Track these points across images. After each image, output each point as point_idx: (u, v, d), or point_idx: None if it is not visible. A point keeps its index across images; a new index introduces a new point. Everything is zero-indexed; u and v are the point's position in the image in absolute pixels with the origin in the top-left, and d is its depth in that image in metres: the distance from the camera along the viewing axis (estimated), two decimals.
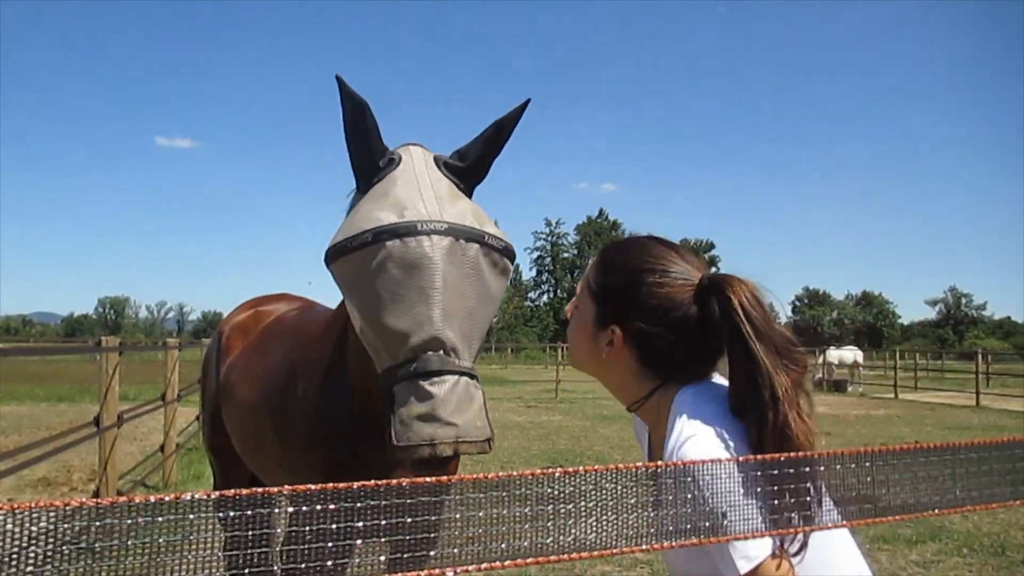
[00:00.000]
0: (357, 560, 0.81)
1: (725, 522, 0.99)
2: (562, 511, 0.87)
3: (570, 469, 0.82)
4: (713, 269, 1.48)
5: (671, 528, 0.91)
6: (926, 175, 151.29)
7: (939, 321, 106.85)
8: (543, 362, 44.23)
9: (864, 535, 6.19)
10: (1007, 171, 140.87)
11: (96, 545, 0.74)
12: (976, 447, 1.10)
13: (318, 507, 0.77)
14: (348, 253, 1.84)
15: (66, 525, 0.72)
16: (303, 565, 0.76)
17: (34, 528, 0.70)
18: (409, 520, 0.79)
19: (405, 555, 0.79)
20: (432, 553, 0.82)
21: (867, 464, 1.02)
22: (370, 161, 1.99)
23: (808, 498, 1.03)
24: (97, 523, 0.72)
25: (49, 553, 0.72)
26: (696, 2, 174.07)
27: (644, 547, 0.90)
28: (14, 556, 0.70)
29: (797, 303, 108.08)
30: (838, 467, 1.01)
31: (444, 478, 0.82)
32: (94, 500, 0.72)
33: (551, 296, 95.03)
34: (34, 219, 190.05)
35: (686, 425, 1.26)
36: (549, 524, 0.85)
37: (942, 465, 1.08)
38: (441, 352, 1.73)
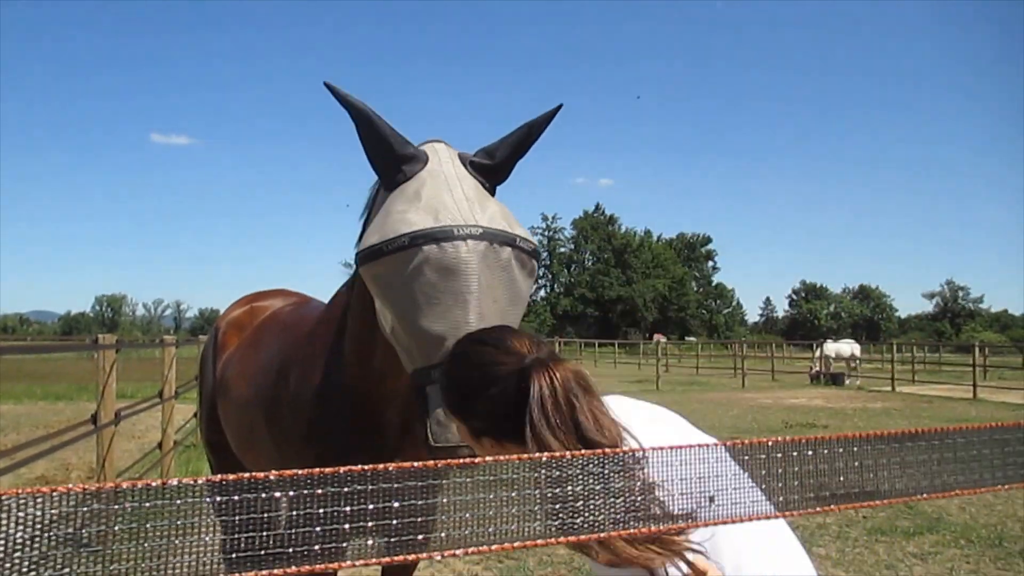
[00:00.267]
0: (345, 544, 0.81)
1: (713, 506, 1.00)
2: (549, 496, 0.88)
3: (556, 454, 0.82)
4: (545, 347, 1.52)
5: (659, 512, 0.91)
6: (923, 168, 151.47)
7: (936, 314, 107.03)
8: None
9: (861, 527, 6.21)
10: (1005, 165, 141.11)
11: (85, 532, 0.74)
12: (966, 432, 1.11)
13: (305, 492, 0.77)
14: (383, 256, 1.85)
15: (55, 511, 0.72)
16: (290, 550, 0.76)
17: (21, 514, 0.70)
18: (397, 505, 0.80)
19: (392, 539, 0.79)
20: (420, 538, 0.82)
21: (855, 448, 1.02)
22: (389, 158, 1.98)
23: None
24: (85, 508, 0.72)
25: (36, 537, 0.72)
26: None
27: (632, 531, 0.90)
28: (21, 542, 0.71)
29: (794, 297, 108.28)
30: (825, 451, 1.02)
31: (431, 463, 0.82)
32: (81, 486, 0.72)
33: (548, 291, 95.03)
34: (30, 217, 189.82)
35: None
36: (536, 508, 0.85)
37: (931, 450, 1.08)
38: None
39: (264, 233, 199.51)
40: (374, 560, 0.80)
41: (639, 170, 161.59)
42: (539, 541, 0.83)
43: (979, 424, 1.13)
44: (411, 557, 0.77)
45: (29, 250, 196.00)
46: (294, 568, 0.74)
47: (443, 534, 0.81)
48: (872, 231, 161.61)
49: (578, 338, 63.88)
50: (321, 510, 0.77)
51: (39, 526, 0.71)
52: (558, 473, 0.91)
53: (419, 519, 0.81)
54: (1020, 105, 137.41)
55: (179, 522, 0.74)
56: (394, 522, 0.79)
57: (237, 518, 0.76)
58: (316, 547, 0.77)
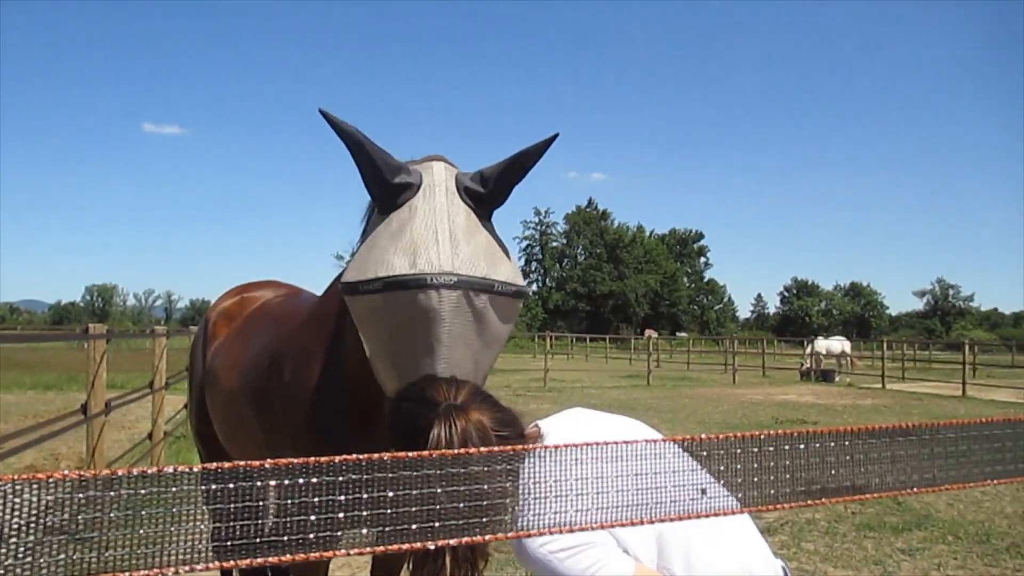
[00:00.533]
0: (339, 533, 0.81)
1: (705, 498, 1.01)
2: (545, 488, 0.88)
3: (550, 445, 0.83)
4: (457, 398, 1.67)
5: (651, 502, 0.92)
6: (915, 166, 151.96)
7: (927, 312, 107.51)
8: (531, 351, 44.29)
9: (850, 523, 6.25)
10: (996, 164, 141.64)
11: (80, 518, 0.74)
12: (955, 427, 1.11)
13: (300, 480, 0.77)
14: (358, 294, 1.88)
15: (49, 497, 0.72)
16: (285, 538, 0.76)
17: (16, 500, 0.70)
18: (391, 494, 0.80)
19: (387, 528, 0.79)
20: (415, 527, 0.82)
21: (846, 443, 1.03)
22: (381, 185, 1.98)
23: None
24: (80, 495, 0.73)
25: (31, 523, 0.72)
26: None
27: (625, 523, 0.91)
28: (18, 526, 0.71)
29: (786, 293, 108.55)
30: (817, 445, 1.02)
31: (426, 453, 0.83)
32: (77, 472, 0.72)
33: (540, 285, 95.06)
34: (21, 206, 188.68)
35: None
36: (532, 499, 0.86)
37: (921, 445, 1.09)
38: None
39: (256, 224, 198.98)
40: (367, 549, 0.81)
41: (632, 165, 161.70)
42: (533, 532, 0.83)
43: (969, 420, 1.14)
44: (406, 547, 0.77)
45: (19, 239, 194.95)
46: (288, 556, 0.75)
47: (436, 523, 0.81)
48: (864, 229, 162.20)
49: (569, 333, 63.98)
50: (316, 499, 0.77)
51: (34, 512, 0.72)
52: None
53: (413, 509, 0.81)
54: (1014, 105, 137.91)
55: (173, 510, 0.75)
56: (389, 511, 0.80)
57: (232, 506, 0.76)
58: (311, 535, 0.77)
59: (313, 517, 0.77)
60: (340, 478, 0.79)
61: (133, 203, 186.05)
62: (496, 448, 0.89)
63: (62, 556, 0.71)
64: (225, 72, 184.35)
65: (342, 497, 0.78)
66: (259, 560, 0.76)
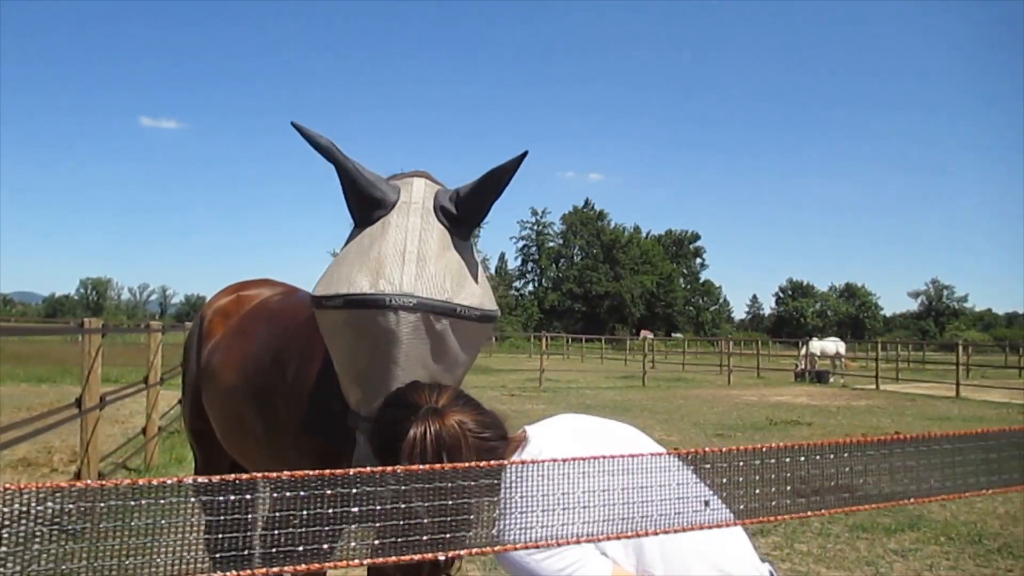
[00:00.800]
0: (341, 544, 0.81)
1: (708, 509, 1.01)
2: (552, 501, 0.88)
3: (547, 459, 0.83)
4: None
5: (647, 515, 0.92)
6: (910, 168, 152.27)
7: (921, 313, 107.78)
8: (527, 351, 44.32)
9: (843, 524, 6.26)
10: (990, 164, 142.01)
11: (73, 527, 0.74)
12: (952, 438, 1.12)
13: (306, 493, 0.77)
14: (321, 308, 1.90)
15: (42, 507, 0.72)
16: (301, 548, 0.76)
17: (7, 510, 0.69)
18: (403, 506, 0.80)
19: (399, 540, 0.79)
20: (425, 538, 0.82)
21: (845, 455, 1.03)
22: (355, 200, 1.97)
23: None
24: (74, 505, 0.72)
25: (26, 535, 0.72)
26: None
27: (629, 535, 0.91)
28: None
29: (781, 294, 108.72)
30: (817, 457, 1.02)
31: (438, 466, 0.82)
32: (70, 483, 0.71)
33: (536, 285, 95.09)
34: (16, 198, 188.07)
35: None
36: (539, 511, 0.85)
37: (919, 456, 1.09)
38: None
39: (252, 220, 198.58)
40: (356, 562, 0.80)
41: (629, 165, 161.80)
42: (542, 543, 0.83)
43: (964, 431, 1.14)
44: (416, 558, 0.77)
45: (14, 231, 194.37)
46: (304, 566, 0.75)
47: (447, 535, 0.81)
48: (858, 230, 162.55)
49: (565, 333, 63.99)
50: (331, 510, 0.78)
51: (24, 521, 0.71)
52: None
53: (424, 520, 0.81)
54: (1008, 107, 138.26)
55: (168, 520, 0.74)
56: (401, 523, 0.80)
57: (222, 518, 0.76)
58: (324, 546, 0.77)
59: (327, 528, 0.77)
60: (329, 491, 0.79)
61: (129, 197, 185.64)
62: (470, 464, 0.89)
63: (51, 567, 0.70)
64: (222, 66, 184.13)
65: (355, 509, 0.79)
66: (275, 569, 0.76)
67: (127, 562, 0.74)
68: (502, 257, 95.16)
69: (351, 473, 0.82)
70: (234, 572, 0.76)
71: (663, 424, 12.80)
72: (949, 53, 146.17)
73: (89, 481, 0.74)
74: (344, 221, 2.24)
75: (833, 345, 28.01)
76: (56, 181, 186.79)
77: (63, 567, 0.72)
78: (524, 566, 1.51)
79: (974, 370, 27.92)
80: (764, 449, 0.99)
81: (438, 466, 0.93)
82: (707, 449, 1.01)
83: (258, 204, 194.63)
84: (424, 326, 1.82)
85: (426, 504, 0.87)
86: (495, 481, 1.02)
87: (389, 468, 0.90)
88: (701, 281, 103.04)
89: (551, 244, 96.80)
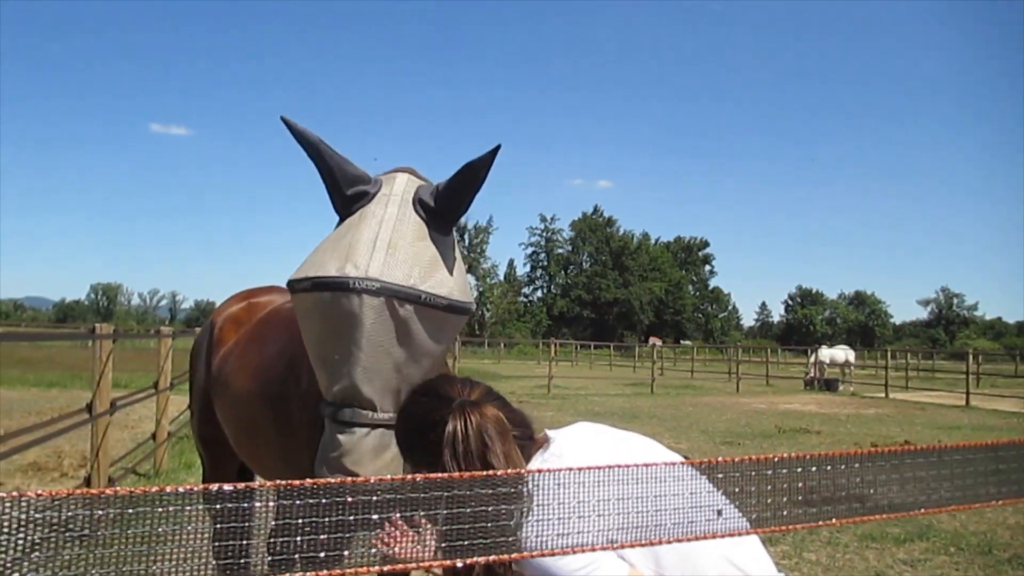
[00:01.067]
0: (347, 552, 0.82)
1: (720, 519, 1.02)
2: (567, 508, 0.88)
3: (562, 468, 0.83)
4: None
5: (659, 523, 0.92)
6: (920, 175, 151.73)
7: (931, 321, 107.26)
8: (536, 358, 44.29)
9: (852, 533, 6.23)
10: (1000, 171, 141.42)
11: (85, 532, 0.75)
12: (962, 449, 1.12)
13: (320, 501, 0.78)
14: (294, 292, 1.95)
15: (56, 513, 0.73)
16: (322, 554, 0.77)
17: (22, 516, 0.70)
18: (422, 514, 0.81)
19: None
20: (444, 545, 0.83)
21: (856, 465, 1.03)
22: (337, 192, 2.01)
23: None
24: (86, 512, 0.73)
25: (39, 540, 0.73)
26: None
27: (644, 543, 0.91)
28: (2, 544, 0.71)
29: (790, 302, 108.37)
30: (828, 467, 1.03)
31: (457, 474, 0.83)
32: (82, 490, 0.72)
33: (545, 292, 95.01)
34: (27, 204, 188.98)
35: None
36: (555, 519, 0.86)
37: (929, 467, 1.09)
38: (356, 406, 1.84)
39: (262, 225, 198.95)
40: (376, 568, 0.81)
41: (638, 172, 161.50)
42: (557, 551, 0.84)
43: (975, 442, 1.15)
44: (435, 564, 0.78)
45: (25, 236, 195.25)
46: (325, 572, 0.75)
47: (465, 542, 0.82)
48: (868, 237, 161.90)
49: (574, 340, 63.93)
50: (352, 517, 0.78)
51: (32, 526, 0.72)
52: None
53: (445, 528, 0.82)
54: (1017, 113, 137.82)
55: (178, 527, 0.75)
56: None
57: (235, 525, 0.77)
58: (346, 552, 0.78)
59: (324, 536, 0.78)
60: (375, 498, 0.80)
61: (139, 203, 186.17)
62: (499, 472, 0.90)
63: (62, 572, 0.71)
64: (231, 72, 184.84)
65: (375, 516, 0.79)
66: (323, 573, 0.77)
67: (124, 568, 0.75)
68: (511, 264, 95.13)
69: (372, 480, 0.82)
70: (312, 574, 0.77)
71: (671, 431, 12.78)
72: (962, 61, 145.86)
73: (92, 489, 0.75)
74: None
75: (843, 353, 27.89)
76: (67, 187, 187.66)
77: (68, 573, 0.73)
78: (540, 564, 1.52)
79: (984, 379, 27.78)
80: (775, 459, 0.99)
81: (471, 473, 0.94)
82: (719, 459, 1.01)
83: (268, 209, 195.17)
84: (388, 310, 1.84)
85: (471, 506, 0.88)
86: (524, 486, 1.03)
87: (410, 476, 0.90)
88: (710, 288, 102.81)
89: (560, 251, 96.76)
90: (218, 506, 0.79)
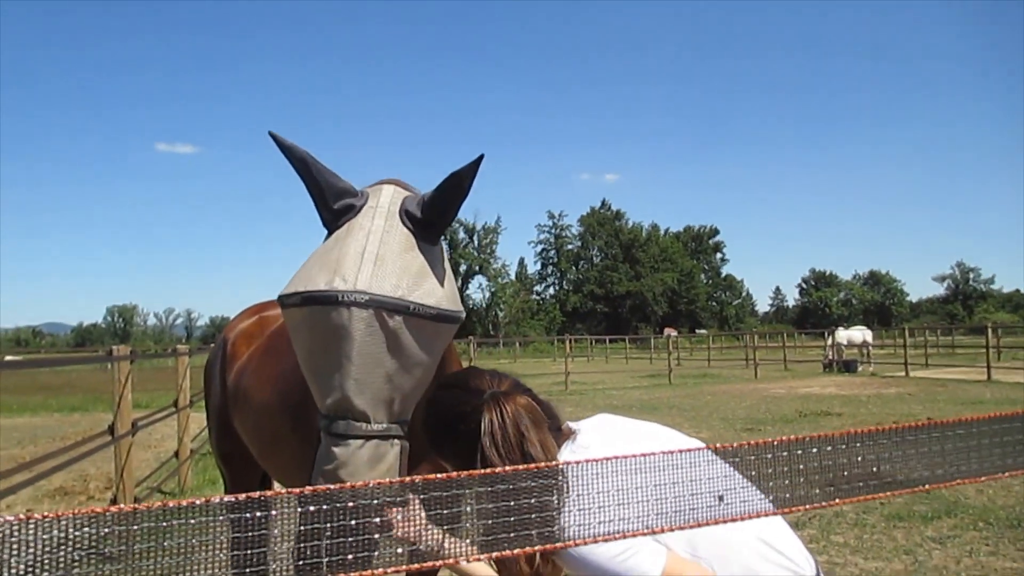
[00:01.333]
0: (377, 553, 0.82)
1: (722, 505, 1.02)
2: (607, 496, 0.88)
3: (572, 461, 0.83)
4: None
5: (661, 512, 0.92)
6: (928, 150, 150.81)
7: (948, 297, 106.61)
8: (551, 355, 44.30)
9: (879, 514, 6.20)
10: (1011, 145, 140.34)
11: (108, 550, 0.75)
12: (988, 420, 1.11)
13: (338, 505, 0.78)
14: (284, 308, 1.96)
15: (79, 532, 0.73)
16: (350, 556, 0.78)
17: (61, 535, 0.71)
18: (446, 512, 0.81)
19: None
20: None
21: (884, 441, 1.03)
22: (324, 206, 2.04)
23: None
24: (108, 529, 0.74)
25: (67, 560, 0.74)
26: None
27: (650, 531, 0.91)
28: (33, 564, 0.72)
29: (804, 285, 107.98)
30: (858, 445, 1.02)
31: (466, 472, 0.83)
32: (104, 508, 0.73)
33: (557, 288, 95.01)
34: (39, 229, 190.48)
35: None
36: (595, 508, 0.86)
37: (955, 439, 1.09)
38: (349, 418, 1.85)
39: (273, 238, 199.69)
40: (403, 567, 0.81)
41: (644, 163, 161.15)
42: (559, 544, 0.84)
43: (979, 415, 1.14)
44: (450, 562, 0.78)
45: (40, 262, 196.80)
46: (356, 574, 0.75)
47: (468, 539, 0.82)
48: (880, 216, 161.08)
49: (588, 335, 63.88)
50: (354, 522, 0.78)
51: (71, 544, 0.73)
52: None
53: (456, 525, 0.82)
54: None
55: (203, 539, 0.75)
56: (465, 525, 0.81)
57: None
58: (349, 556, 0.78)
59: (351, 539, 0.78)
60: (422, 496, 0.80)
61: (150, 223, 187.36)
62: (538, 465, 0.90)
63: None
64: (236, 90, 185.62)
65: (377, 519, 0.79)
66: (366, 573, 0.77)
67: None
68: (522, 262, 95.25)
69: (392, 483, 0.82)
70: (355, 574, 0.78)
71: (691, 421, 12.75)
72: (973, 34, 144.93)
73: (122, 505, 0.76)
74: None
75: (860, 334, 27.79)
76: (76, 211, 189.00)
77: None
78: (580, 552, 1.52)
79: (1005, 352, 27.58)
80: (797, 440, 0.99)
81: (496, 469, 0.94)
82: (748, 442, 1.01)
83: (277, 222, 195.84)
84: (377, 322, 1.85)
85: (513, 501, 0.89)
86: (561, 478, 1.04)
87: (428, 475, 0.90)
88: (723, 276, 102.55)
89: (570, 247, 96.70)
90: (234, 516, 0.79)
